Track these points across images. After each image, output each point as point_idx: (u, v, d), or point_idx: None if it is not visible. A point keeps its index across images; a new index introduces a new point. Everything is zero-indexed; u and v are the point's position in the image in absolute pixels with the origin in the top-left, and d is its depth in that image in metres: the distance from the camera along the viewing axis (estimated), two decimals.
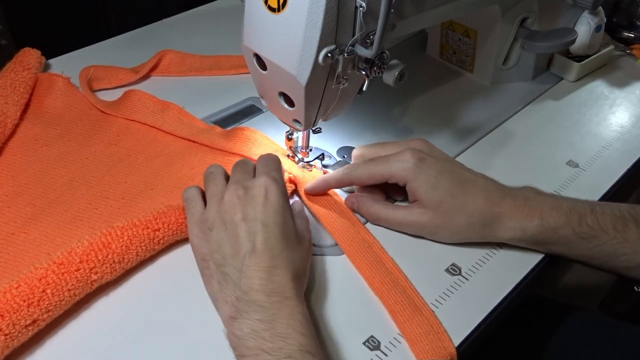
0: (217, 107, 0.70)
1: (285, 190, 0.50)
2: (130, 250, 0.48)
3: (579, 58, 0.78)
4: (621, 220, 0.50)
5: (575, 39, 0.70)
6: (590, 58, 0.78)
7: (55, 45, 0.80)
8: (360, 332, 0.46)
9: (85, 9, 1.34)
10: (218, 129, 0.65)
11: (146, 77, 0.75)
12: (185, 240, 0.52)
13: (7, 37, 1.18)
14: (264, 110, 0.70)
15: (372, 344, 0.46)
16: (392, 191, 0.58)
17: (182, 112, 0.66)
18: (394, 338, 0.46)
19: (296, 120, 0.55)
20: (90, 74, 0.71)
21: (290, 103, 0.53)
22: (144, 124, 0.66)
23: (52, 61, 0.76)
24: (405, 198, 0.56)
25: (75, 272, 0.45)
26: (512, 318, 0.53)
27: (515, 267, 0.53)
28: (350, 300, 0.49)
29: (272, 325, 0.41)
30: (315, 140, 0.63)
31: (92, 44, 0.82)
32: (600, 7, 0.74)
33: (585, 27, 0.75)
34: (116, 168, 0.60)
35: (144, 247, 0.49)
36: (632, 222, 0.50)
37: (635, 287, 0.55)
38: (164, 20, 0.89)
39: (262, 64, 0.52)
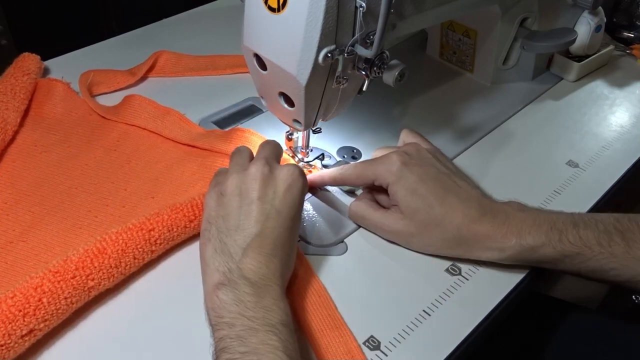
0: (217, 107, 0.70)
1: (307, 190, 0.50)
2: (127, 254, 0.48)
3: (579, 58, 0.78)
4: (605, 234, 0.48)
5: (575, 39, 0.70)
6: (590, 58, 0.78)
7: (55, 45, 0.80)
8: (360, 332, 0.46)
9: (85, 9, 1.34)
10: (218, 132, 0.65)
11: (143, 78, 0.75)
12: (183, 244, 0.52)
13: (7, 37, 1.18)
14: (264, 110, 0.70)
15: (372, 344, 0.46)
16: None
17: (183, 118, 0.66)
18: (394, 338, 0.46)
19: (296, 120, 0.55)
20: (90, 79, 0.71)
21: (290, 103, 0.53)
22: (144, 129, 0.65)
23: (52, 61, 0.76)
24: None
25: (72, 280, 0.44)
26: (512, 316, 0.53)
27: (515, 267, 0.52)
28: (350, 300, 0.49)
29: (259, 299, 0.41)
30: (315, 140, 0.63)
31: (92, 44, 0.82)
32: (600, 7, 0.74)
33: (585, 27, 0.75)
34: (116, 175, 0.59)
35: (140, 250, 0.49)
36: (617, 236, 0.48)
37: (633, 297, 0.53)
38: (164, 20, 0.89)
39: (262, 64, 0.52)
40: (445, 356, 0.45)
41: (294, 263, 0.49)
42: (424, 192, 0.50)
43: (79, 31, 1.30)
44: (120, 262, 0.47)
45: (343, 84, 0.52)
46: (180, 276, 0.50)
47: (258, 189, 0.47)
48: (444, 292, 0.50)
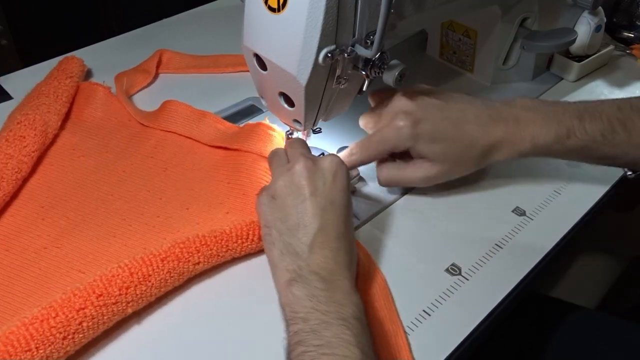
0: (217, 107, 0.70)
1: (350, 176, 0.51)
2: (168, 284, 0.47)
3: (579, 58, 0.78)
4: (609, 125, 0.53)
5: (575, 39, 0.70)
6: (590, 58, 0.78)
7: (55, 45, 0.81)
8: None
9: (85, 9, 1.34)
10: (248, 126, 0.63)
11: (155, 76, 0.75)
12: (223, 265, 0.51)
13: (7, 37, 1.18)
14: (264, 110, 0.70)
15: None
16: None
17: (218, 120, 0.65)
18: None
19: (296, 120, 0.55)
20: (125, 83, 0.71)
21: (290, 103, 0.53)
22: (181, 135, 0.65)
23: (51, 61, 0.76)
24: None
25: (113, 306, 0.44)
26: (512, 316, 0.53)
27: (515, 266, 0.53)
28: None
29: (331, 294, 0.42)
30: (315, 140, 0.63)
31: (92, 44, 0.82)
32: (600, 7, 0.74)
33: (585, 27, 0.75)
34: (152, 182, 0.59)
35: (180, 279, 0.48)
36: (619, 127, 0.52)
37: (626, 172, 0.62)
38: (164, 20, 0.89)
39: (262, 64, 0.52)
40: (445, 356, 0.45)
41: (356, 251, 0.49)
42: (442, 136, 0.53)
43: (79, 31, 1.30)
44: (160, 290, 0.47)
45: (343, 84, 0.52)
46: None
47: (308, 184, 0.47)
48: (444, 292, 0.50)
